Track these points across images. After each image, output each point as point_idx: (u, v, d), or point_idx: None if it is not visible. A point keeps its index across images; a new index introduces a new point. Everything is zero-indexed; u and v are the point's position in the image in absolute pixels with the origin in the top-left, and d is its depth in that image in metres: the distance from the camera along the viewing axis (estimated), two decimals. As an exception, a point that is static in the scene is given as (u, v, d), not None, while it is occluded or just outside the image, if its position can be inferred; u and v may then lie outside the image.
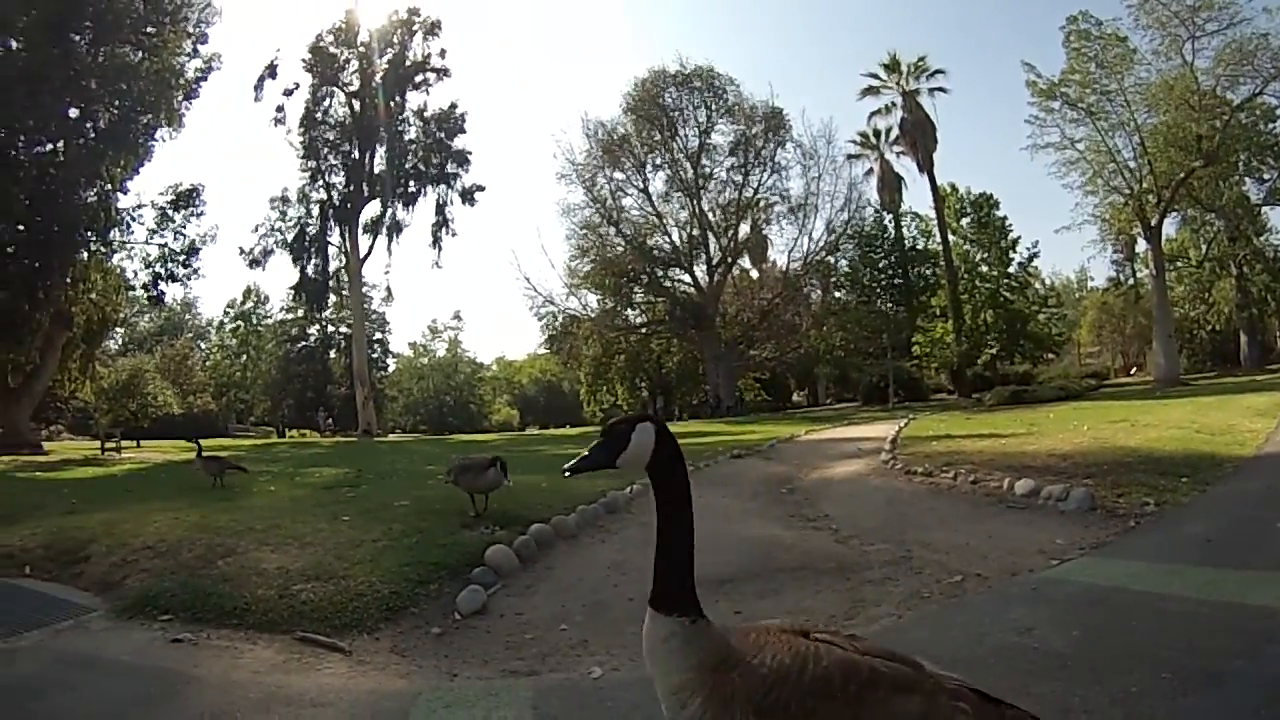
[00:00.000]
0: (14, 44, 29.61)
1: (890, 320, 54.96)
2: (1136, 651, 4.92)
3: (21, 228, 29.15)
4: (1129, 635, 5.25)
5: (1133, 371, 61.53)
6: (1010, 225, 54.64)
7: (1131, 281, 54.04)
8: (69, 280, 31.24)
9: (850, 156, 55.79)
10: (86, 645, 6.67)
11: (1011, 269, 54.77)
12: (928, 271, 58.71)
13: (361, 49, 49.09)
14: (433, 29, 49.63)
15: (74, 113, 31.10)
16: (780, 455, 17.89)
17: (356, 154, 49.02)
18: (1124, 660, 4.81)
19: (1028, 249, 54.89)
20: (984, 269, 55.22)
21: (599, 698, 5.18)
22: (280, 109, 48.51)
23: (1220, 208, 45.65)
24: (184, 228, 35.73)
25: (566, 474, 2.68)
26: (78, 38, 30.41)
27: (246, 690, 5.58)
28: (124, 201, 34.48)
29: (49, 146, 30.98)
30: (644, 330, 59.12)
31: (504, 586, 7.69)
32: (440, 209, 50.59)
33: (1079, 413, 21.40)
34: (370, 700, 5.50)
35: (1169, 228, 45.59)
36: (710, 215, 55.66)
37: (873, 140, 56.50)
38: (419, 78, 49.59)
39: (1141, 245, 45.71)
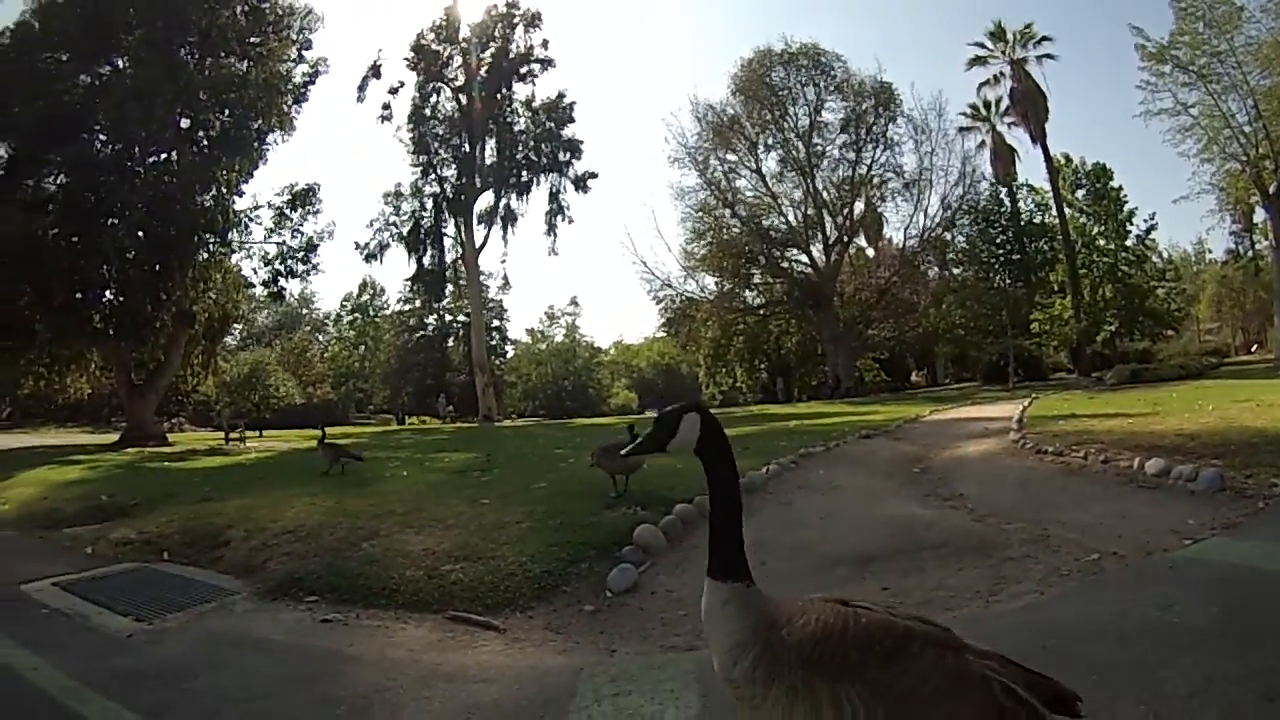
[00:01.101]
0: (121, 62, 30.92)
1: (1009, 297, 53.25)
2: (1273, 628, 4.91)
3: (141, 233, 30.04)
4: (1266, 613, 5.21)
5: (1254, 349, 59.78)
6: (1126, 197, 52.23)
7: (1250, 254, 52.47)
8: (189, 280, 32.16)
9: (961, 130, 54.56)
10: (233, 626, 6.78)
11: (1129, 242, 52.31)
12: (1044, 246, 56.37)
13: (464, 44, 49.37)
14: (533, 21, 49.67)
15: (185, 123, 32.18)
16: (908, 435, 17.59)
17: (467, 147, 49.24)
18: (1262, 636, 4.77)
19: (1145, 221, 52.49)
20: (1101, 242, 52.79)
21: None
22: (386, 107, 49.01)
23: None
24: (301, 225, 36.25)
25: (623, 455, 3.34)
26: (185, 52, 31.46)
27: (405, 668, 5.58)
28: (241, 203, 35.29)
29: (164, 155, 31.99)
30: (762, 311, 58.38)
31: (653, 565, 7.61)
32: (554, 197, 49.99)
33: (1202, 392, 20.79)
34: (532, 675, 5.42)
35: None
36: (824, 194, 54.85)
37: (983, 112, 54.95)
38: (523, 69, 49.59)
39: (1260, 215, 43.65)
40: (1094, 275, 51.71)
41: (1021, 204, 57.35)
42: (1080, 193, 52.87)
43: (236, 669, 5.62)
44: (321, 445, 15.56)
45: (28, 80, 28.53)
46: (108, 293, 30.86)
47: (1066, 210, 52.37)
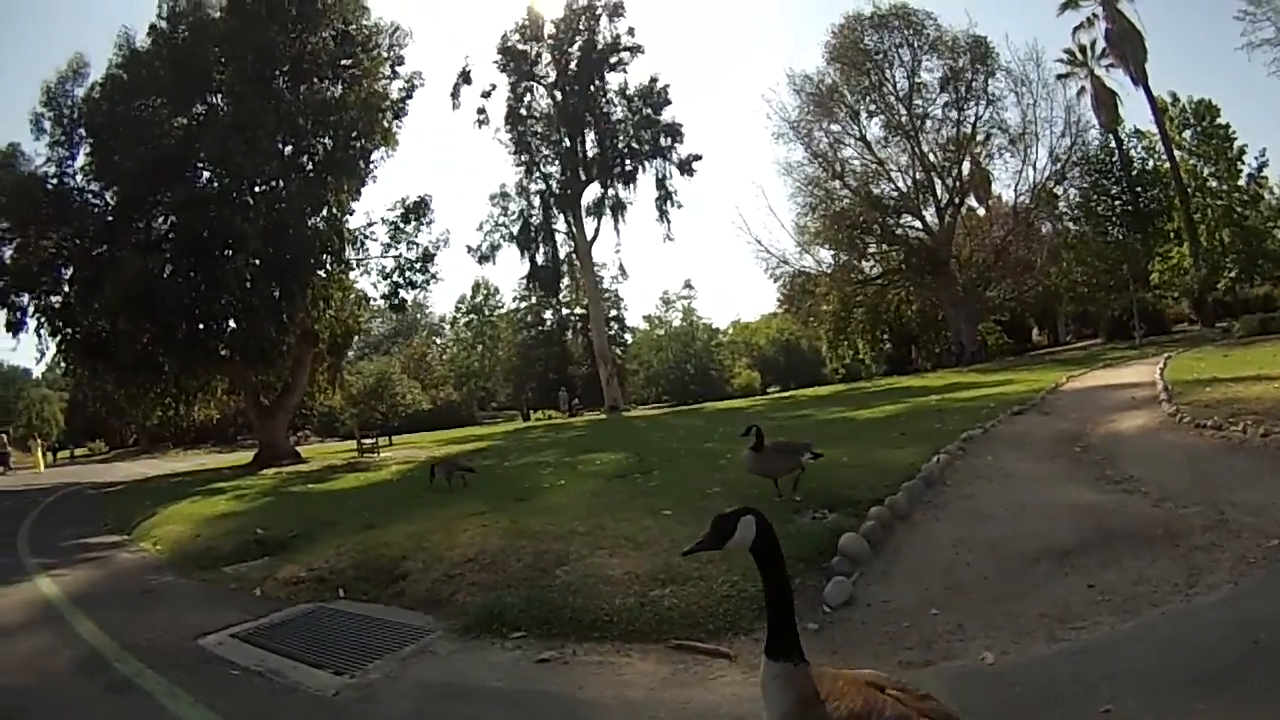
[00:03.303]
0: (217, 99, 31.89)
1: (1128, 249, 51.43)
2: None
3: (258, 261, 30.68)
4: None
5: None
6: (1234, 133, 50.29)
7: None
8: (310, 300, 32.94)
9: (1060, 77, 52.94)
10: (443, 673, 6.35)
11: (1241, 181, 50.46)
12: (1157, 194, 53.99)
13: (550, 41, 49.86)
14: (616, 10, 49.95)
15: (288, 150, 33.08)
16: (1056, 409, 16.97)
17: (567, 142, 49.97)
18: None
19: (1255, 158, 50.43)
20: (1213, 184, 51.09)
21: (1004, 683, 4.97)
22: (481, 111, 50.05)
23: None
24: (416, 237, 37.15)
25: (684, 554, 3.80)
26: (279, 83, 32.15)
27: (654, 710, 5.25)
28: (354, 221, 36.34)
29: (272, 184, 32.75)
30: (880, 281, 56.40)
31: (862, 575, 7.23)
32: (660, 183, 50.63)
33: None
34: (791, 705, 5.12)
35: None
36: (931, 156, 53.51)
37: (1079, 57, 53.54)
38: (613, 59, 49.98)
39: None
40: (1209, 220, 50.07)
41: (1131, 151, 55.09)
42: (1187, 133, 51.06)
43: None
44: (435, 469, 15.57)
45: (126, 128, 29.56)
46: (231, 321, 31.72)
47: (1176, 153, 50.58)
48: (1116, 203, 54.41)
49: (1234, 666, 4.62)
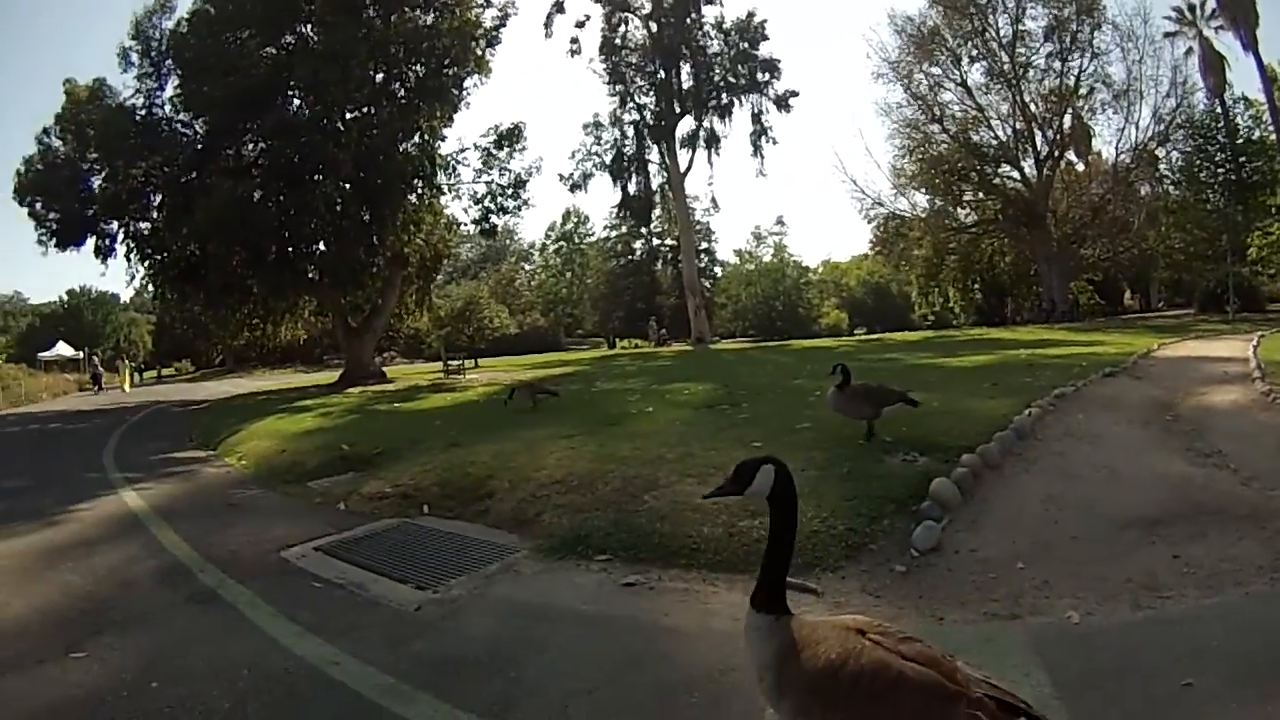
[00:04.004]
0: (307, 29, 32.28)
1: (1228, 220, 49.87)
2: None
3: (349, 185, 31.23)
4: None
5: None
6: None
7: None
8: (400, 224, 33.45)
9: (1167, 35, 51.85)
10: (527, 592, 6.33)
11: None
12: (1261, 165, 51.98)
13: (646, -29, 49.35)
14: (714, -59, 49.24)
15: (380, 77, 33.30)
16: (1148, 375, 16.60)
17: (661, 73, 49.70)
18: None
19: None
20: None
21: (1088, 644, 4.88)
22: (574, 41, 49.87)
23: None
24: (509, 163, 37.44)
25: (705, 498, 3.92)
26: (371, 12, 32.32)
27: (737, 641, 4.82)
28: (446, 147, 36.81)
29: (363, 110, 33.20)
30: (974, 230, 56.61)
31: (950, 521, 7.09)
32: (756, 118, 50.43)
33: None
34: (872, 647, 5.05)
35: None
36: (1032, 106, 52.68)
37: (1188, 16, 52.30)
38: (710, -9, 49.53)
39: None
40: None
41: (1237, 119, 53.16)
42: None
43: (558, 650, 5.19)
44: (516, 391, 16.10)
45: (215, 59, 30.08)
46: (320, 244, 32.40)
47: None
48: (1220, 170, 52.45)
49: None
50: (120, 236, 33.98)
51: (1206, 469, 8.67)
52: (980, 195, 55.81)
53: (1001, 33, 52.43)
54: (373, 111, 33.05)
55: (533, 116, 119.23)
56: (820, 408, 11.03)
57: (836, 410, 9.91)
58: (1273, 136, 50.23)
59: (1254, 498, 7.48)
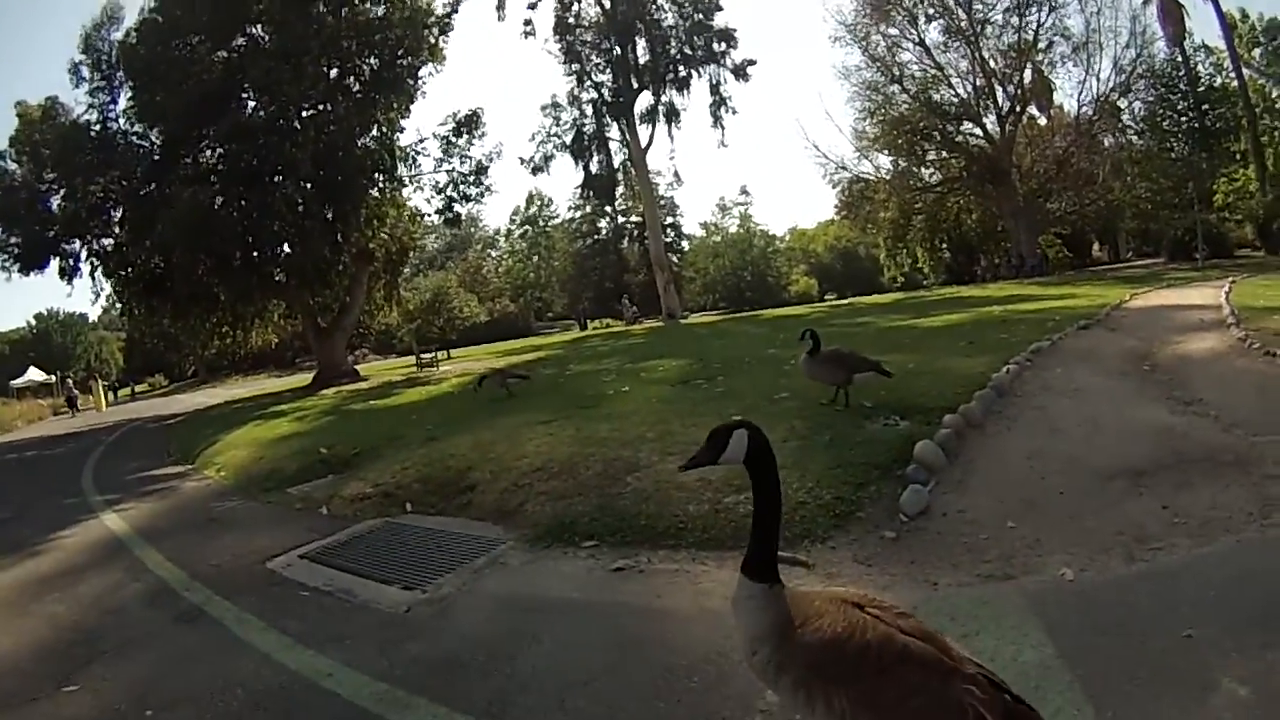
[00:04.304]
0: (257, 30, 32.02)
1: (1194, 168, 50.04)
2: None
3: (309, 184, 31.11)
4: None
5: None
6: None
7: None
8: (364, 220, 33.39)
9: (1126, -15, 50.75)
10: (517, 584, 6.28)
11: None
12: (1224, 112, 52.56)
13: (596, -54, 49.24)
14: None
15: (334, 73, 33.11)
16: (1122, 326, 16.83)
17: (617, 49, 49.89)
18: None
19: None
20: None
21: (1085, 601, 4.91)
22: (528, 22, 50.03)
23: None
24: (469, 150, 37.43)
25: (681, 469, 3.59)
26: (320, 7, 32.10)
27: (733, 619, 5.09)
28: (405, 139, 36.71)
29: (319, 107, 32.93)
30: (940, 189, 56.29)
31: (937, 483, 7.06)
32: (715, 89, 50.85)
33: None
34: (870, 617, 5.04)
35: None
36: (991, 62, 52.80)
37: (1146, -36, 52.22)
38: (662, -37, 49.51)
39: None
40: (1277, 142, 49.16)
41: (1199, 67, 53.77)
42: (1257, 52, 50.83)
43: (552, 642, 5.14)
44: (485, 380, 16.12)
45: (166, 68, 29.82)
46: (285, 246, 32.18)
47: (1245, 72, 49.54)
48: (1182, 119, 53.13)
49: None
50: (83, 255, 33.70)
51: (1188, 417, 8.74)
52: (944, 154, 55.93)
53: None
54: (328, 108, 32.84)
55: (491, 102, 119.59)
56: (797, 377, 11.00)
57: (810, 376, 10.00)
58: (1234, 83, 50.45)
59: (1238, 445, 7.52)
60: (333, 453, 12.67)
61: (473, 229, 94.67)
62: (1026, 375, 11.37)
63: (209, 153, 32.42)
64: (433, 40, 34.60)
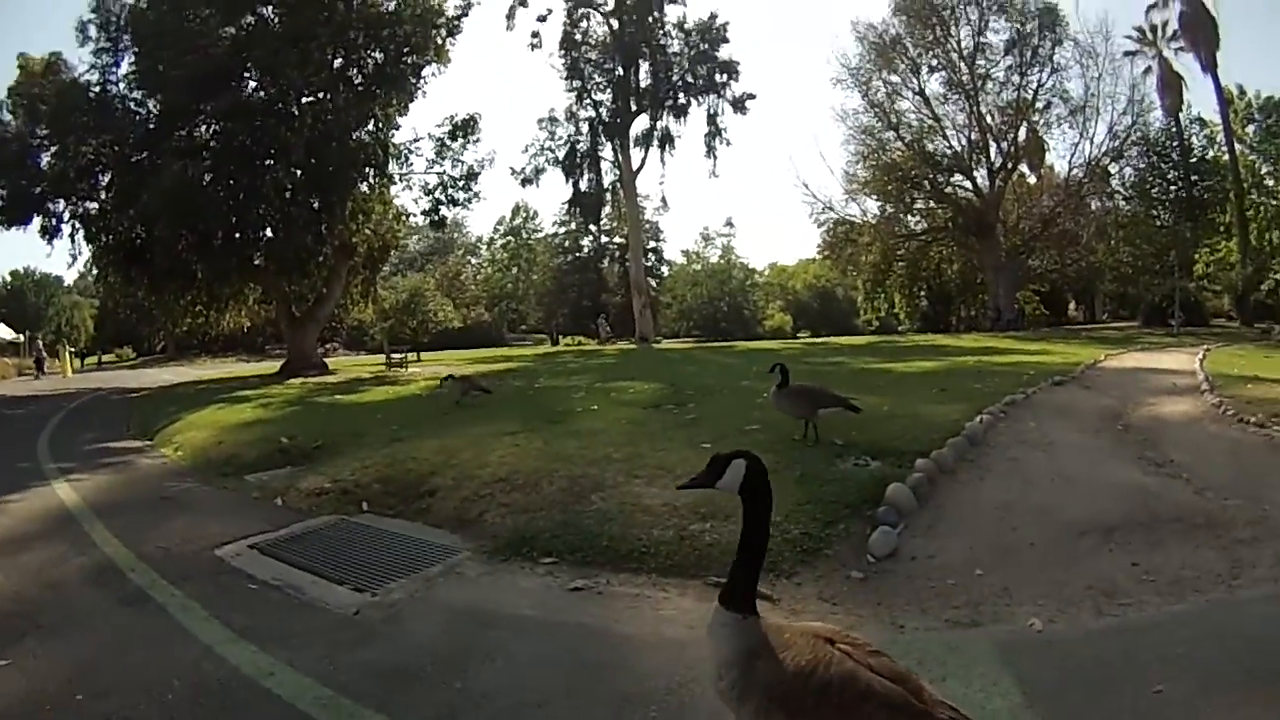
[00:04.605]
0: (268, 11, 31.58)
1: (1177, 236, 51.20)
2: None
3: (299, 172, 30.72)
4: None
5: None
6: None
7: None
8: (350, 213, 32.88)
9: (1128, 54, 52.54)
10: (471, 596, 6.10)
11: None
12: (1213, 184, 53.52)
13: (610, -33, 49.40)
14: (680, -58, 49.28)
15: (339, 62, 32.68)
16: (1097, 385, 16.79)
17: (620, 71, 49.62)
18: None
19: None
20: (1270, 183, 51.33)
21: (1055, 652, 4.92)
22: (535, 35, 49.75)
23: None
24: (462, 155, 37.15)
25: (679, 488, 3.50)
26: None
27: (695, 650, 4.75)
28: (400, 136, 36.36)
29: (320, 95, 32.52)
30: (924, 237, 56.82)
31: (907, 527, 7.05)
32: (712, 119, 50.48)
33: None
34: (832, 655, 4.97)
35: None
36: (988, 118, 53.32)
37: (1149, 36, 52.93)
38: (673, -10, 49.69)
39: None
40: (1261, 218, 50.37)
41: (1192, 139, 54.61)
42: (1251, 128, 51.36)
43: (506, 659, 4.98)
44: (449, 380, 16.21)
45: (173, 37, 29.35)
46: (268, 230, 31.73)
47: (1237, 147, 50.38)
48: (1171, 188, 53.90)
49: None
50: (66, 216, 33.05)
51: (1160, 478, 8.78)
52: (931, 203, 56.34)
53: (963, 44, 53.10)
54: (329, 97, 32.39)
55: (488, 109, 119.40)
56: (769, 409, 11.01)
57: (778, 408, 10.07)
58: (1225, 156, 51.29)
59: (1209, 507, 7.56)
60: (294, 444, 12.49)
61: (456, 234, 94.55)
62: (1000, 426, 11.34)
63: (204, 128, 31.94)
64: (439, 41, 34.24)
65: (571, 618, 5.63)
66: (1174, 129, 53.48)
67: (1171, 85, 52.00)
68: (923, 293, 62.55)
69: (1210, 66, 49.41)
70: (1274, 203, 50.35)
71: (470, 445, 10.42)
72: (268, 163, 30.20)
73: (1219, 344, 29.75)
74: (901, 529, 6.97)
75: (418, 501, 8.73)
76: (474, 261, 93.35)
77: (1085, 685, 4.48)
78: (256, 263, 32.46)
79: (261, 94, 31.49)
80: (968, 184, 54.46)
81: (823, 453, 8.99)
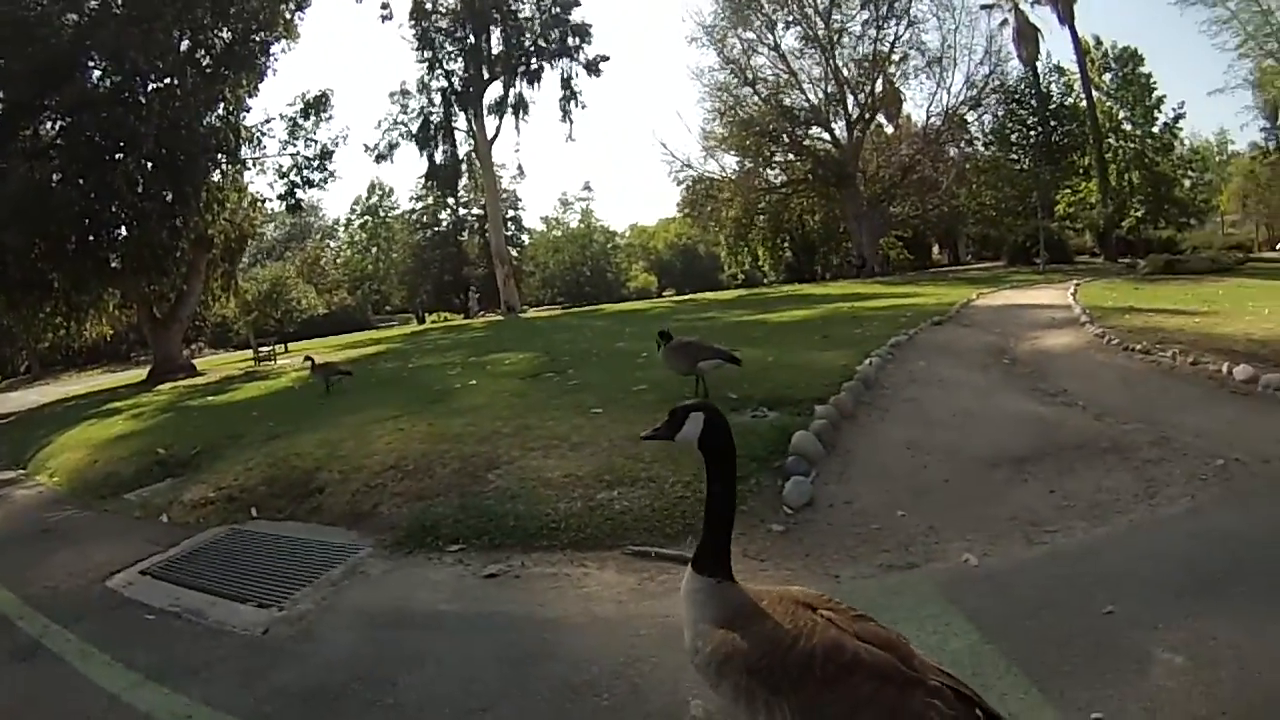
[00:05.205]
0: None
1: (1038, 179, 52.39)
2: None
3: (150, 164, 29.46)
4: None
5: (1278, 247, 58.21)
6: (1155, 83, 52.60)
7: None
8: (205, 204, 31.83)
9: (984, 7, 53.37)
10: (383, 596, 5.75)
11: (1155, 129, 52.85)
12: (1072, 129, 55.18)
13: (460, -67, 48.73)
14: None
15: (186, 44, 31.38)
16: (976, 322, 17.58)
17: (472, 38, 49.15)
18: None
19: (1173, 109, 52.76)
20: (1127, 128, 53.50)
21: (997, 585, 4.94)
22: (385, 5, 48.86)
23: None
24: (315, 134, 36.26)
25: (642, 438, 3.29)
26: None
27: (631, 628, 4.81)
28: (251, 119, 35.26)
29: (167, 81, 31.14)
30: (785, 190, 57.25)
31: (819, 475, 6.96)
32: (566, 83, 50.39)
33: (1247, 292, 20.59)
34: (777, 613, 4.86)
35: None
36: (845, 71, 53.96)
37: (1006, -12, 54.41)
38: (524, -46, 49.26)
39: None
40: (1120, 160, 52.52)
41: (1051, 86, 56.39)
42: (1107, 76, 53.52)
43: (435, 663, 4.66)
44: (309, 362, 16.13)
45: (12, 29, 27.41)
46: (122, 229, 30.37)
47: (1094, 94, 52.16)
48: (1031, 133, 55.55)
49: (1220, 576, 4.71)
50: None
51: (1057, 408, 9.15)
52: (791, 156, 56.75)
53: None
54: (176, 82, 31.01)
55: (341, 86, 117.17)
56: (651, 369, 11.26)
57: (667, 367, 9.99)
58: (1084, 103, 52.84)
59: (1111, 432, 7.91)
60: (170, 453, 11.78)
61: (312, 218, 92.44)
62: (890, 368, 11.59)
63: (50, 125, 30.31)
64: (288, 15, 33.39)
65: (493, 607, 5.39)
66: (1032, 77, 55.11)
67: (1027, 36, 53.03)
68: (786, 244, 63.52)
69: (1068, 18, 50.76)
70: (1132, 145, 52.61)
71: (353, 434, 10.06)
72: (117, 156, 28.82)
73: (1087, 279, 30.92)
74: (814, 477, 6.93)
75: (307, 500, 8.26)
76: (333, 245, 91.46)
77: (1034, 614, 4.50)
78: (114, 265, 30.96)
79: (107, 82, 29.91)
80: (826, 136, 55.13)
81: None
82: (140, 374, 34.32)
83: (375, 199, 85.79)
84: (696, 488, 6.50)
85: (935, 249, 69.96)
